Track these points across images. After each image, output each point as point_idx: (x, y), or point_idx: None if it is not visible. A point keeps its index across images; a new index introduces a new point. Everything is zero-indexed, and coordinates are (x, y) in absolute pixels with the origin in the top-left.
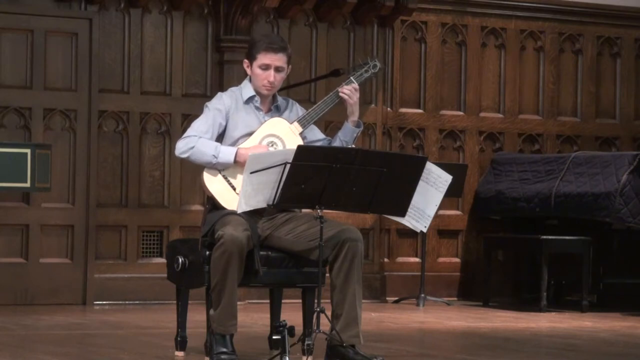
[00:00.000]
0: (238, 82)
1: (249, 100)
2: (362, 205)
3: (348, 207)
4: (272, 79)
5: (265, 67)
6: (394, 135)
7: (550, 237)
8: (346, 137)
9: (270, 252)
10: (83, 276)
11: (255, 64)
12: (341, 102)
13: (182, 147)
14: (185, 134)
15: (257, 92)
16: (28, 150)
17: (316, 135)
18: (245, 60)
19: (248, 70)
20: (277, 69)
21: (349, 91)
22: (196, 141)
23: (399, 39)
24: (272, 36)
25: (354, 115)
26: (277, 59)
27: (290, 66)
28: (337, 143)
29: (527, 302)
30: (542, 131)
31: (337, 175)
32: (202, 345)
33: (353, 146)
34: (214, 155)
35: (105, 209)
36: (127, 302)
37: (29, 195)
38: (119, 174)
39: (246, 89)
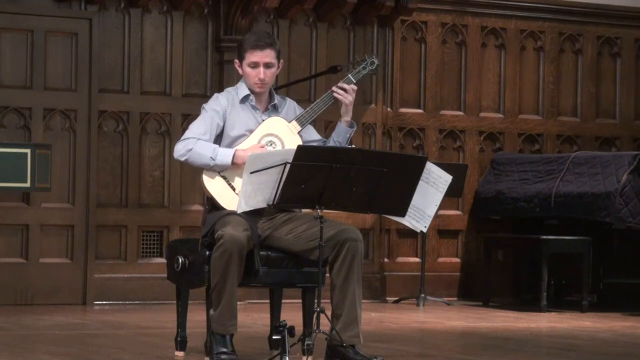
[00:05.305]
0: (238, 82)
1: (244, 99)
2: (362, 205)
3: (348, 207)
4: (262, 76)
5: (254, 65)
6: (394, 135)
7: (550, 237)
8: (339, 137)
9: (270, 252)
10: (83, 276)
11: (245, 63)
12: (339, 100)
13: (181, 150)
14: (183, 136)
15: (251, 91)
16: (28, 150)
17: (312, 136)
18: (236, 61)
19: (239, 70)
20: (266, 65)
21: (343, 90)
22: (194, 143)
23: (399, 39)
24: (258, 34)
25: (348, 115)
26: (265, 56)
27: (281, 61)
28: (330, 144)
29: (527, 302)
30: (542, 131)
31: (337, 175)
32: (202, 345)
33: (353, 146)
34: (211, 157)
35: (105, 209)
36: (127, 302)
37: (29, 195)
38: (119, 174)
39: (241, 89)
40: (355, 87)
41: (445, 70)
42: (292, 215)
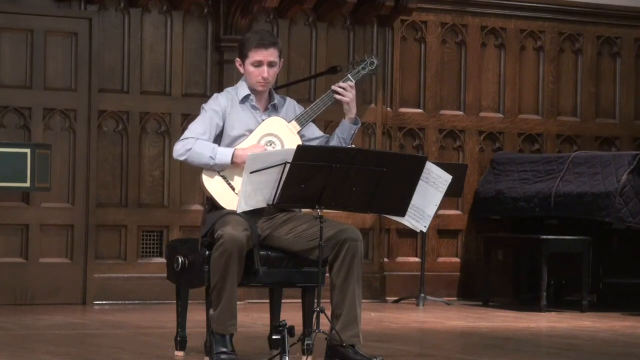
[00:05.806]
0: (238, 82)
1: (245, 99)
2: (362, 205)
3: (348, 207)
4: (265, 75)
5: (258, 64)
6: (394, 135)
7: (550, 237)
8: (344, 134)
9: (270, 252)
10: (83, 276)
11: (248, 62)
12: (339, 101)
13: (180, 150)
14: (183, 137)
15: (252, 90)
16: (28, 150)
17: (314, 133)
18: (238, 60)
19: (241, 69)
20: (270, 64)
21: (342, 89)
22: (193, 143)
23: (399, 39)
24: (261, 33)
25: (352, 113)
26: (269, 55)
27: (282, 60)
28: (335, 141)
29: (527, 302)
30: (542, 131)
31: (337, 175)
32: (202, 345)
33: (353, 146)
34: (211, 157)
35: (105, 209)
36: (127, 302)
37: (29, 195)
38: (119, 174)
39: (242, 89)
40: (353, 84)
41: (445, 70)
42: (292, 215)
